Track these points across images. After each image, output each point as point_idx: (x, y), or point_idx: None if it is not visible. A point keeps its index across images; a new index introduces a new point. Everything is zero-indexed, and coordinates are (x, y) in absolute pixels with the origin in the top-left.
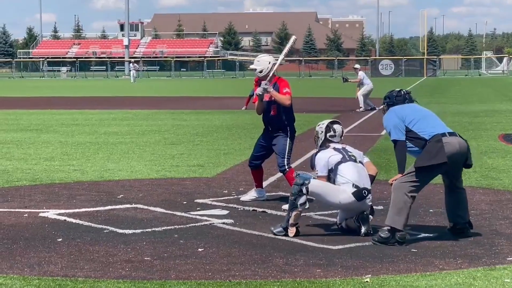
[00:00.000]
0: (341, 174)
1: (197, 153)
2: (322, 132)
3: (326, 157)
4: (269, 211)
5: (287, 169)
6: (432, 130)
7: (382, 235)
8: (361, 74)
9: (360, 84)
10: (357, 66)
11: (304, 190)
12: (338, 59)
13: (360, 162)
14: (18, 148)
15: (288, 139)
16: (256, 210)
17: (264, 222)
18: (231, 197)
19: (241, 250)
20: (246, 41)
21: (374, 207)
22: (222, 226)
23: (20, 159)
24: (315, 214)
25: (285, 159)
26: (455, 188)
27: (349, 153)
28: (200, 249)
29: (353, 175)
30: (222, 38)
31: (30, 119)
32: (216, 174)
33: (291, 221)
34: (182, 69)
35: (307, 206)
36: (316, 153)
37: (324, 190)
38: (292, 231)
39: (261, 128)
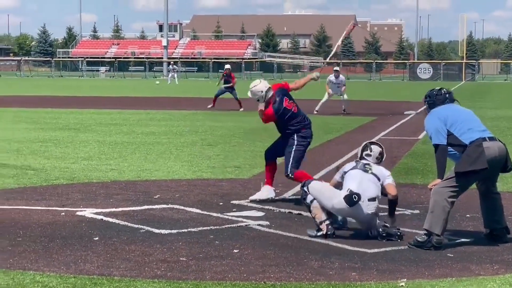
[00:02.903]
0: (345, 180)
1: (233, 154)
2: (360, 149)
3: (344, 165)
4: (304, 213)
5: (290, 175)
6: (472, 135)
7: (418, 239)
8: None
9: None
10: (336, 68)
11: (306, 189)
12: (376, 62)
13: (373, 174)
14: (56, 147)
15: (294, 147)
16: (291, 212)
17: (300, 224)
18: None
19: (276, 252)
20: (284, 43)
21: (410, 211)
22: (257, 228)
23: (58, 158)
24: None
25: (289, 167)
26: (490, 193)
27: (365, 166)
28: (235, 250)
29: (353, 182)
30: (260, 40)
31: (68, 118)
32: (252, 176)
33: (316, 219)
34: (220, 70)
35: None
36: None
37: (320, 192)
38: (323, 227)
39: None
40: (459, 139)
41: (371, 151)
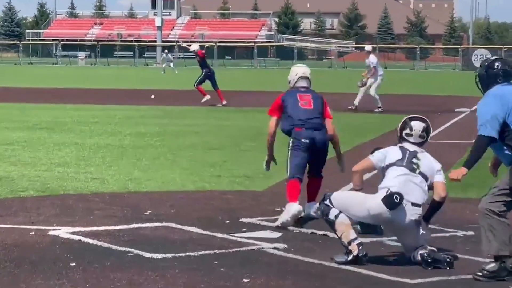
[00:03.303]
0: (385, 178)
1: (243, 160)
2: (397, 128)
3: (387, 150)
4: (331, 234)
5: (286, 182)
6: None
7: (488, 268)
8: (373, 59)
9: (372, 74)
10: (368, 48)
11: (328, 202)
12: (420, 47)
13: (421, 174)
14: (25, 151)
15: (289, 151)
16: (315, 233)
17: (325, 247)
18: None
19: (296, 282)
20: (306, 24)
21: (463, 232)
22: (273, 252)
23: (27, 164)
24: (388, 239)
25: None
26: None
27: (413, 160)
28: (245, 280)
29: (395, 182)
30: (277, 20)
31: (39, 115)
32: (266, 188)
33: (343, 239)
34: (226, 57)
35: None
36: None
37: (348, 199)
38: (353, 247)
39: None
40: None
41: (411, 129)
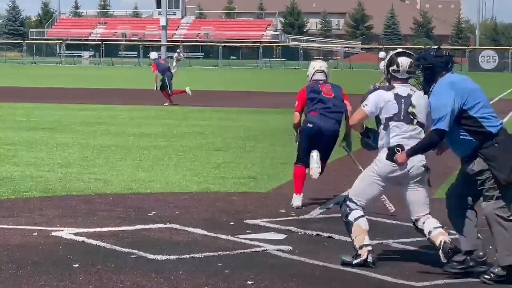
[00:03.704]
0: (385, 135)
1: (248, 162)
2: (384, 65)
3: (381, 99)
4: (337, 236)
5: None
6: (498, 120)
7: (496, 272)
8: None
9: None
10: (382, 54)
11: (349, 203)
12: (427, 47)
13: (419, 124)
14: (28, 151)
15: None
16: (320, 235)
17: (330, 250)
18: (290, 218)
19: (301, 285)
20: (312, 24)
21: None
22: (277, 254)
23: (29, 165)
24: (393, 242)
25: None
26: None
27: (409, 110)
28: (249, 282)
29: (394, 140)
30: (282, 19)
31: (43, 115)
32: (271, 189)
33: (356, 243)
34: (232, 57)
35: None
36: (373, 90)
37: (361, 185)
38: (363, 252)
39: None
40: (483, 125)
41: (398, 66)
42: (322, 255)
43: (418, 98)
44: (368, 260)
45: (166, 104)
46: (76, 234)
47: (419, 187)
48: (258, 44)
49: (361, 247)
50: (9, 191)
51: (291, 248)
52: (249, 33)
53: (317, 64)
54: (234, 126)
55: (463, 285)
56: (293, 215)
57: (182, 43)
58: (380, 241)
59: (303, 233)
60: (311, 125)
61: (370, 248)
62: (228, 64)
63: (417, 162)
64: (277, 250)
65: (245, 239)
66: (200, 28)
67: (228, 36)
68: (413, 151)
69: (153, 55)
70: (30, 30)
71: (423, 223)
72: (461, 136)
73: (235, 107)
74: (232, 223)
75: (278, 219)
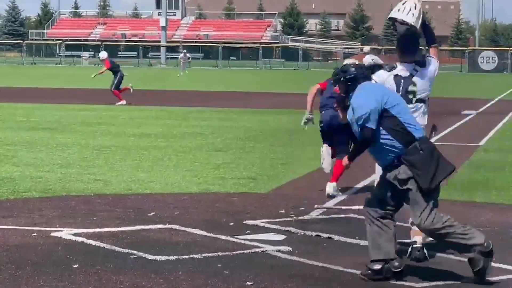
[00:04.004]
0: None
1: (248, 162)
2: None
3: (382, 78)
4: (336, 237)
5: None
6: (420, 127)
7: (372, 268)
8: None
9: None
10: (366, 49)
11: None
12: (426, 48)
13: (418, 100)
14: (27, 151)
15: None
16: (320, 236)
17: (330, 251)
18: (289, 219)
19: (300, 285)
20: (312, 24)
21: None
22: (277, 255)
23: (29, 165)
24: None
25: None
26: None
27: (409, 89)
28: (249, 283)
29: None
30: (282, 20)
31: (42, 115)
32: (271, 190)
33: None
34: (231, 58)
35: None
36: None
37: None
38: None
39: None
40: (405, 127)
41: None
42: (321, 256)
43: (421, 74)
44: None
45: (118, 104)
46: (75, 234)
47: None
48: (258, 45)
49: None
50: (9, 191)
51: (290, 249)
52: (249, 33)
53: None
54: (233, 126)
55: (461, 287)
56: (293, 216)
57: (182, 44)
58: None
59: (302, 234)
60: (323, 124)
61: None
62: (228, 65)
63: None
64: (277, 251)
65: (244, 239)
66: (200, 28)
67: (228, 37)
68: (353, 155)
69: (103, 54)
70: (30, 30)
71: None
72: (385, 141)
73: (235, 108)
74: (231, 223)
75: (277, 219)
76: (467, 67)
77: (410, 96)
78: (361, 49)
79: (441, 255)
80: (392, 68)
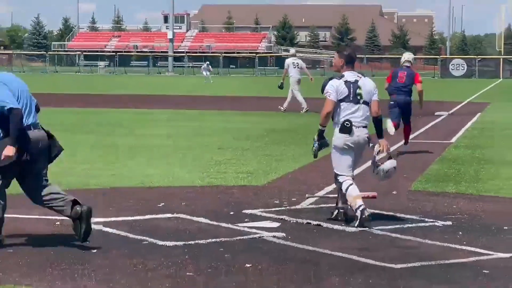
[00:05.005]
0: (338, 113)
1: (246, 159)
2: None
3: (335, 86)
4: (324, 224)
5: None
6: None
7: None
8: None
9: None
10: (292, 51)
11: (337, 177)
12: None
13: (364, 102)
14: None
15: None
16: (310, 223)
17: (319, 236)
18: (283, 208)
19: (293, 267)
20: (302, 36)
21: (442, 222)
22: (272, 240)
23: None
24: (376, 229)
25: None
26: None
27: (357, 92)
28: (247, 265)
29: (345, 115)
30: (276, 33)
31: (63, 118)
32: (266, 183)
33: (353, 207)
34: (231, 66)
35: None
36: (328, 80)
37: (335, 158)
38: (358, 213)
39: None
40: None
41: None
42: (311, 241)
43: (364, 82)
44: (363, 216)
45: None
46: (95, 223)
47: (361, 154)
48: (254, 55)
49: (355, 210)
50: None
51: (284, 234)
52: (246, 44)
53: (406, 56)
54: (233, 127)
55: (436, 267)
56: (286, 206)
57: (187, 54)
58: (363, 229)
59: (295, 221)
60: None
61: (361, 208)
62: (227, 72)
63: (363, 135)
64: (272, 236)
65: (243, 227)
66: (203, 40)
67: (228, 48)
68: (13, 139)
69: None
70: (53, 42)
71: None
72: None
73: (234, 110)
74: (232, 213)
75: (272, 209)
76: (440, 74)
77: (358, 98)
78: (288, 51)
79: (416, 239)
80: (341, 76)
